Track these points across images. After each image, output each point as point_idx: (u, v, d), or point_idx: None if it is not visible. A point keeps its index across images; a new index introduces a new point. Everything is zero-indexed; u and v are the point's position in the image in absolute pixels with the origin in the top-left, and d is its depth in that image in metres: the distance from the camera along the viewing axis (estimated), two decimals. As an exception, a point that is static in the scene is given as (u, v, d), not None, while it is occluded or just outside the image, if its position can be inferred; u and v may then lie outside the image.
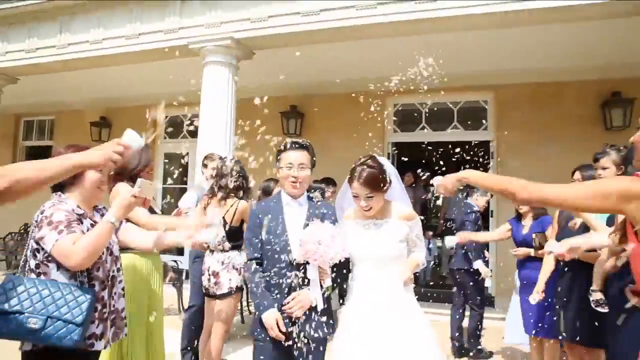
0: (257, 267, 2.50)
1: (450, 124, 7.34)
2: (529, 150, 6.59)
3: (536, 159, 6.45)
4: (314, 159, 2.60)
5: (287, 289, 2.42)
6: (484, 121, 7.21)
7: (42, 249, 2.07)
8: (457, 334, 5.14)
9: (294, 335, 2.40)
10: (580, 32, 5.07)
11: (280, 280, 2.44)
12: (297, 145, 2.55)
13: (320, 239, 2.34)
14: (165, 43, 5.65)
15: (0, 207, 1.72)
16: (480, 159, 7.47)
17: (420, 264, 2.68)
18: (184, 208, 2.23)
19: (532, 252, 3.99)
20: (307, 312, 2.40)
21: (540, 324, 3.91)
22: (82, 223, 2.15)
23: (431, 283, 8.46)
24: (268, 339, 2.41)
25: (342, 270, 2.54)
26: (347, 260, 2.54)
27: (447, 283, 8.15)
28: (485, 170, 7.12)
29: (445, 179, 2.14)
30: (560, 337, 3.85)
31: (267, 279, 2.47)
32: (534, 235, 3.94)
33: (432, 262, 9.14)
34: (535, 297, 3.69)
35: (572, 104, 6.53)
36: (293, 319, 2.39)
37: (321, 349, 2.47)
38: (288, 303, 2.38)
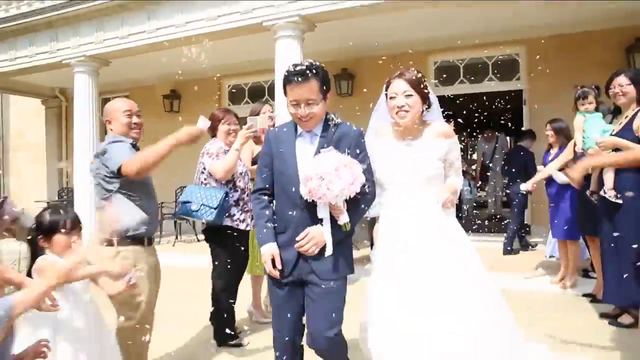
0: (264, 197, 2.34)
1: (486, 76, 8.18)
2: (558, 96, 7.33)
3: (565, 104, 7.19)
4: (326, 87, 2.20)
5: (298, 225, 2.21)
6: (516, 72, 8.02)
7: (205, 169, 3.50)
8: (510, 235, 6.71)
9: (302, 275, 2.23)
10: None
11: (292, 215, 2.22)
12: (301, 78, 2.12)
13: (322, 174, 2.05)
14: (240, 22, 6.65)
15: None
16: (513, 106, 8.31)
17: (457, 191, 2.40)
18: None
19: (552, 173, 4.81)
20: (320, 251, 2.19)
21: (562, 229, 4.84)
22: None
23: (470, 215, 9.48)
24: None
25: (361, 202, 2.24)
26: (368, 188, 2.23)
27: (484, 215, 9.19)
28: (519, 115, 7.99)
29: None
30: (579, 238, 4.87)
31: (277, 211, 2.31)
32: (555, 159, 4.89)
33: (472, 201, 10.14)
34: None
35: (597, 51, 7.18)
36: (306, 257, 2.20)
37: (338, 290, 2.23)
38: (301, 240, 2.17)
